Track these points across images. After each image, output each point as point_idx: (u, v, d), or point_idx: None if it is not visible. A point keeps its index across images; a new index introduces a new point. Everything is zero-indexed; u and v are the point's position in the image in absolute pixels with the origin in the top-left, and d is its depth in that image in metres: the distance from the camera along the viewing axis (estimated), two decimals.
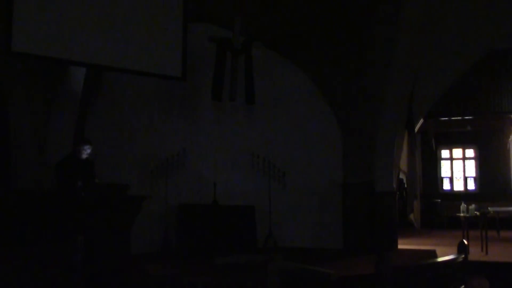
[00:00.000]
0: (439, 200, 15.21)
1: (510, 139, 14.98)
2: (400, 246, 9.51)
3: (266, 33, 9.54)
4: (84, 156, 6.55)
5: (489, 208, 10.68)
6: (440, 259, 4.68)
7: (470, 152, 16.34)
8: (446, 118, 14.05)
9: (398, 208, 10.09)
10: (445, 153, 16.60)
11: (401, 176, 12.35)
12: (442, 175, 16.53)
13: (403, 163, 11.20)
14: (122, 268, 5.52)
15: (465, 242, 4.63)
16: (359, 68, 9.32)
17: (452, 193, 16.11)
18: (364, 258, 8.04)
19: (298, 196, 9.83)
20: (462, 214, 9.29)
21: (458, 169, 16.44)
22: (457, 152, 16.52)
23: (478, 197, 14.50)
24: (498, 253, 8.52)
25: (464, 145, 16.35)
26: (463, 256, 4.48)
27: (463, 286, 4.44)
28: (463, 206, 9.38)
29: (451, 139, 16.30)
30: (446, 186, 16.48)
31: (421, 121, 11.15)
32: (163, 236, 9.12)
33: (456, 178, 16.45)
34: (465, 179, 16.34)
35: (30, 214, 6.13)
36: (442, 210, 14.79)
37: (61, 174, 6.40)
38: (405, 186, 13.37)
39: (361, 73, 9.34)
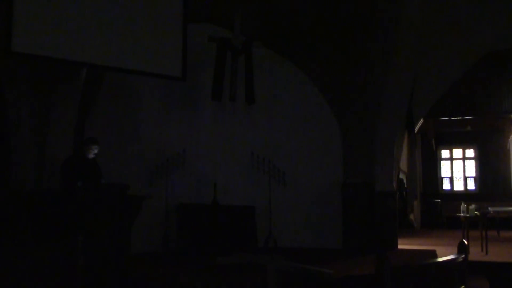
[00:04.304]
0: (439, 200, 15.23)
1: (510, 139, 14.99)
2: (400, 246, 9.51)
3: (266, 33, 9.54)
4: (92, 155, 6.60)
5: (489, 208, 10.69)
6: (440, 259, 4.68)
7: (470, 152, 16.35)
8: (446, 118, 14.06)
9: (398, 208, 10.09)
10: (445, 153, 16.61)
11: (401, 176, 12.36)
12: (442, 175, 16.54)
13: (403, 163, 11.21)
14: (122, 268, 5.52)
15: (465, 242, 4.64)
16: (359, 68, 9.33)
17: (452, 193, 16.12)
18: (364, 258, 8.04)
19: (298, 196, 9.82)
20: (462, 214, 9.29)
21: (458, 169, 16.46)
22: (457, 152, 16.53)
23: (478, 197, 14.52)
24: (498, 253, 8.52)
25: (464, 145, 16.36)
26: (463, 256, 4.48)
27: (463, 286, 4.44)
28: (463, 206, 9.38)
29: (451, 139, 16.31)
30: (446, 186, 16.48)
31: (421, 121, 11.15)
32: (163, 236, 9.12)
33: (456, 178, 16.47)
34: (465, 179, 16.35)
35: (30, 214, 6.12)
36: (442, 210, 14.80)
37: (68, 174, 6.42)
38: (405, 186, 13.39)
39: (361, 73, 9.35)
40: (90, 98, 8.50)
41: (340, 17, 9.03)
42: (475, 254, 8.12)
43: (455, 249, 4.64)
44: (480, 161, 16.03)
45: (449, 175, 16.51)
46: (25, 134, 7.46)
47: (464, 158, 16.43)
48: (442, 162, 16.61)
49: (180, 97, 9.70)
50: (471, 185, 16.24)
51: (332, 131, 9.85)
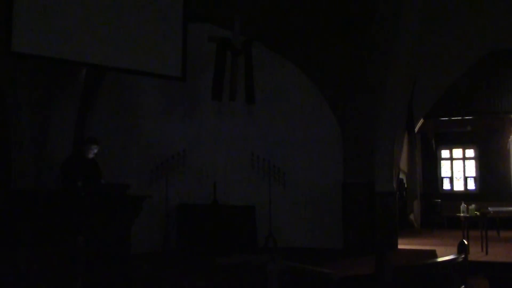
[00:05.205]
0: (439, 200, 15.21)
1: (510, 139, 14.97)
2: (400, 246, 9.51)
3: (266, 33, 9.54)
4: (91, 155, 6.60)
5: (489, 208, 10.68)
6: (440, 259, 4.68)
7: (470, 152, 16.33)
8: (446, 118, 14.05)
9: (398, 208, 10.09)
10: (445, 153, 16.60)
11: (401, 176, 12.35)
12: (442, 175, 16.53)
13: (403, 163, 11.20)
14: (122, 268, 5.52)
15: (465, 242, 4.63)
16: (359, 68, 9.32)
17: (452, 193, 16.11)
18: (364, 258, 8.04)
19: (298, 196, 9.82)
20: (462, 214, 9.29)
21: (458, 169, 16.44)
22: (457, 152, 16.52)
23: (478, 197, 14.51)
24: (498, 253, 8.52)
25: (464, 145, 16.35)
26: (463, 256, 4.48)
27: (463, 286, 4.44)
28: (463, 206, 9.38)
29: (451, 139, 16.29)
30: (446, 186, 16.47)
31: (421, 121, 11.15)
32: (163, 236, 9.12)
33: (456, 178, 16.45)
34: (465, 179, 16.33)
35: (30, 214, 6.12)
36: (442, 210, 14.79)
37: (68, 173, 6.43)
38: (405, 186, 13.38)
39: (361, 73, 9.34)
40: (90, 98, 8.50)
41: (340, 17, 9.03)
42: (475, 254, 8.12)
43: (455, 249, 4.64)
44: (480, 161, 16.01)
45: (449, 175, 16.50)
46: (25, 134, 7.47)
47: (464, 158, 16.42)
48: (442, 162, 16.60)
49: (180, 97, 9.70)
50: (471, 185, 16.22)
51: (332, 131, 9.84)
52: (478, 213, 9.03)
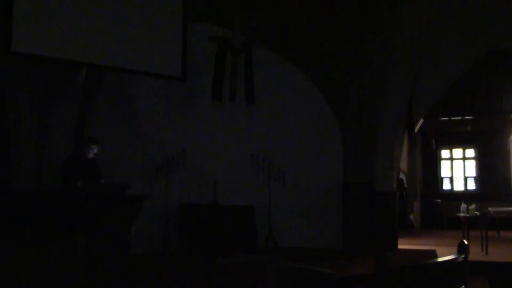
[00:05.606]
0: (439, 200, 15.22)
1: (510, 139, 14.98)
2: (400, 246, 9.51)
3: (266, 33, 9.54)
4: (91, 155, 6.61)
5: (489, 208, 10.68)
6: (440, 259, 4.67)
7: (470, 152, 16.35)
8: (446, 118, 14.05)
9: (398, 208, 10.08)
10: (445, 153, 16.61)
11: (401, 176, 12.36)
12: (442, 175, 16.54)
13: (403, 163, 11.21)
14: (122, 268, 5.52)
15: (465, 242, 4.63)
16: (359, 68, 9.33)
17: (452, 193, 16.12)
18: (364, 258, 8.04)
19: (298, 196, 9.82)
20: (462, 214, 9.29)
21: (458, 169, 16.45)
22: (457, 152, 16.53)
23: (478, 197, 14.51)
24: (498, 253, 8.52)
25: (464, 145, 16.36)
26: (463, 256, 4.48)
27: (463, 286, 4.43)
28: (463, 206, 9.38)
29: (451, 139, 16.30)
30: (446, 186, 16.48)
31: (421, 121, 11.14)
32: (163, 236, 9.12)
33: (456, 178, 16.46)
34: (465, 179, 16.34)
35: (30, 214, 6.12)
36: (442, 210, 14.80)
37: (67, 173, 6.43)
38: (405, 186, 13.39)
39: (361, 73, 9.35)
40: (90, 98, 8.50)
41: (341, 17, 9.03)
42: (475, 254, 8.12)
43: (455, 249, 4.63)
44: (480, 161, 16.02)
45: (449, 175, 16.51)
46: (25, 134, 7.47)
47: (464, 158, 16.43)
48: (442, 162, 16.61)
49: (180, 97, 9.71)
50: (471, 185, 16.23)
51: (332, 131, 9.84)
52: (478, 213, 9.03)
